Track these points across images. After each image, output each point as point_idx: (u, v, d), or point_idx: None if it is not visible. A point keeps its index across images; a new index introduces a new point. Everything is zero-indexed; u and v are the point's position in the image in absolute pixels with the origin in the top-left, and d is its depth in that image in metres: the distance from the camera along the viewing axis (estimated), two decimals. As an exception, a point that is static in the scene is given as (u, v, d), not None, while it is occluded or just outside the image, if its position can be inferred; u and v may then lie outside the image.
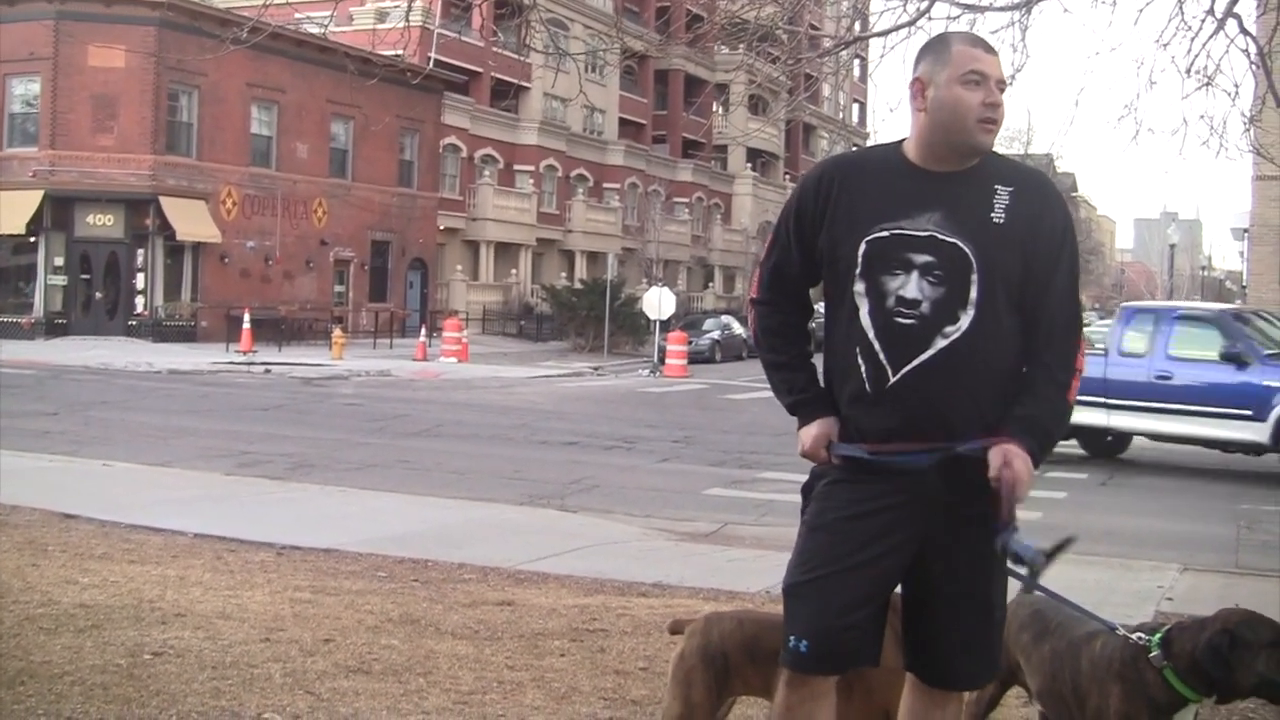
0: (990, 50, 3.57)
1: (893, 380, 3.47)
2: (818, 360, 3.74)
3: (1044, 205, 3.54)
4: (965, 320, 3.44)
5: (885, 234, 3.49)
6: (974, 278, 3.44)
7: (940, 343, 3.45)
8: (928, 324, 3.45)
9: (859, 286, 3.51)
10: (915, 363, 3.46)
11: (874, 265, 3.49)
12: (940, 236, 3.46)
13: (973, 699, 4.46)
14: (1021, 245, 3.47)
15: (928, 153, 3.55)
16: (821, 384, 3.72)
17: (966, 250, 3.44)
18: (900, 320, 3.46)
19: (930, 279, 3.46)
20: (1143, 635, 3.75)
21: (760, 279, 3.81)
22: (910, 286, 3.46)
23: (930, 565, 3.55)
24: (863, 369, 3.52)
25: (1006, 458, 3.40)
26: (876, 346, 3.49)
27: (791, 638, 3.54)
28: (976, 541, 3.51)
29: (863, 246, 3.50)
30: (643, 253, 62.96)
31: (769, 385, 3.82)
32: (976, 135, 3.49)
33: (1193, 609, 8.21)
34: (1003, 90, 3.52)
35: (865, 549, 3.50)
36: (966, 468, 3.45)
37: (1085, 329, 3.67)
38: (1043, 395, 3.50)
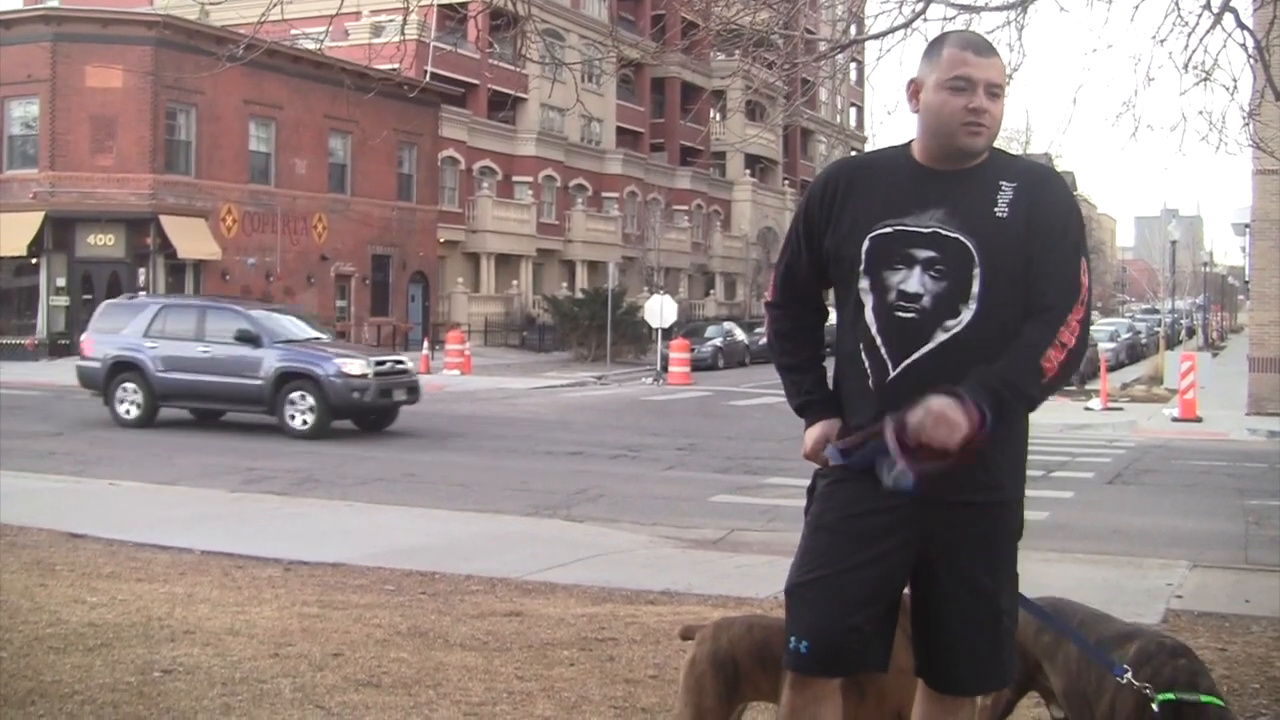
0: (984, 52, 3.53)
1: (893, 374, 3.47)
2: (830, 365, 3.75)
3: (1045, 194, 3.52)
4: (966, 314, 3.44)
5: (889, 230, 3.50)
6: (976, 272, 3.44)
7: (940, 336, 3.44)
8: (928, 317, 3.45)
9: (863, 283, 3.52)
10: (915, 356, 3.45)
11: (877, 261, 3.50)
12: (943, 232, 3.46)
13: (987, 703, 4.44)
14: (1024, 238, 3.46)
15: (928, 153, 3.57)
16: (830, 387, 3.72)
17: (969, 245, 3.44)
18: (900, 314, 3.46)
19: (932, 274, 3.45)
20: (1149, 688, 3.67)
21: (774, 282, 3.84)
22: (912, 281, 3.46)
23: (934, 567, 3.53)
24: (866, 365, 3.52)
25: (928, 401, 3.27)
26: (879, 342, 3.49)
27: (792, 639, 3.52)
28: (982, 544, 3.49)
29: (866, 243, 3.51)
30: (643, 261, 62.99)
31: (781, 388, 3.83)
32: (961, 139, 3.48)
33: (1203, 606, 8.23)
34: (997, 93, 3.49)
35: (866, 549, 3.49)
36: (969, 510, 3.47)
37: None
38: (1013, 356, 3.38)
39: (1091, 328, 3.86)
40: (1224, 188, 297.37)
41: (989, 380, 3.33)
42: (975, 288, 3.44)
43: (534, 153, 58.89)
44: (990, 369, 3.36)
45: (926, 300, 3.45)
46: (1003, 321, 3.45)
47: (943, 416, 3.26)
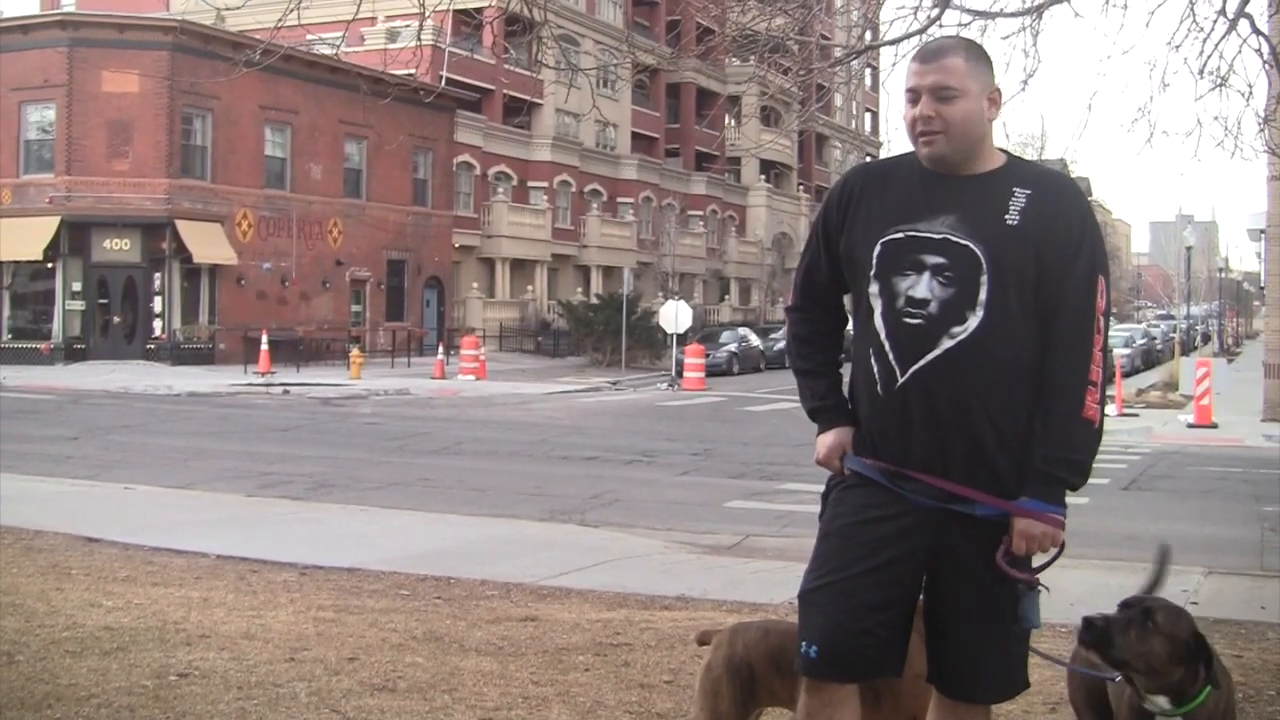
0: (930, 58, 3.53)
1: (901, 380, 3.48)
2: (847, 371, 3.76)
3: (1060, 203, 3.52)
4: (973, 321, 3.43)
5: (900, 235, 3.51)
6: (983, 279, 3.44)
7: (947, 343, 3.45)
8: (935, 324, 3.45)
9: (873, 288, 3.54)
10: (922, 362, 3.46)
11: (887, 266, 3.51)
12: (953, 238, 3.47)
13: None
14: (1035, 245, 3.45)
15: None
16: (845, 393, 3.73)
17: (977, 251, 3.44)
18: (908, 320, 3.48)
19: (941, 280, 3.46)
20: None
21: (795, 286, 3.87)
22: (920, 287, 3.47)
23: (943, 575, 3.54)
24: (875, 370, 3.53)
25: (1028, 534, 3.45)
26: (887, 347, 3.51)
27: (803, 643, 3.55)
28: (990, 552, 3.48)
29: (877, 248, 3.53)
30: (658, 266, 62.98)
31: (796, 393, 3.84)
32: (919, 148, 3.54)
33: (1218, 613, 8.20)
34: (946, 95, 3.46)
35: (875, 555, 3.50)
36: (979, 522, 3.49)
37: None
38: (1058, 426, 3.45)
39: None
40: (1239, 193, 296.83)
41: (1054, 470, 3.46)
42: (982, 295, 3.44)
43: (549, 158, 58.94)
44: (1047, 452, 3.46)
45: (934, 306, 3.45)
46: (1010, 329, 3.45)
47: (1032, 537, 3.46)
